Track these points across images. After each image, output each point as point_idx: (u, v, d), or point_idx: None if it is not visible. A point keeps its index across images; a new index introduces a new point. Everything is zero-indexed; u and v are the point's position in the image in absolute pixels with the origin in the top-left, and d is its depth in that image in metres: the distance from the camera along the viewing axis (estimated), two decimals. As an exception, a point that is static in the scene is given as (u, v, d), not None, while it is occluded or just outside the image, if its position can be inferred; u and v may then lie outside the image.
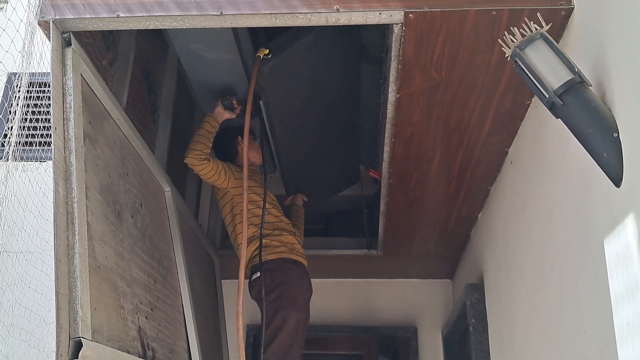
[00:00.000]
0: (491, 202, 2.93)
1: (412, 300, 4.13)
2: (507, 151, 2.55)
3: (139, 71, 2.70)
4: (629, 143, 1.43)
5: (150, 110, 2.85)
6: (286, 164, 3.37)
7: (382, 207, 3.16)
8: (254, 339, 3.95)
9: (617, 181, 1.47)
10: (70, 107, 1.80)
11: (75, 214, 1.68)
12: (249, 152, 3.11)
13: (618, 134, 1.47)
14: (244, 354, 2.48)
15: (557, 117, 1.57)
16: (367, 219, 3.68)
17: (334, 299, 4.11)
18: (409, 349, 3.94)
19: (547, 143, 2.09)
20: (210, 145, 2.78)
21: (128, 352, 1.86)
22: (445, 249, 3.68)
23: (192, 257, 3.00)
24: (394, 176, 2.81)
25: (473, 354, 2.94)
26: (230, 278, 3.80)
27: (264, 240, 2.89)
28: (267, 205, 3.01)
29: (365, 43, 2.73)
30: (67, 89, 1.83)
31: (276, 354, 2.69)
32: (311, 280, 3.14)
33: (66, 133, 1.78)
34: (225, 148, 3.15)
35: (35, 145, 3.09)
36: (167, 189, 2.75)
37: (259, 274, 2.80)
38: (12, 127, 2.09)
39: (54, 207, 1.64)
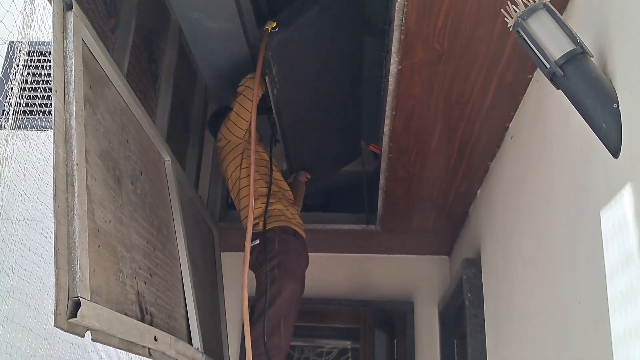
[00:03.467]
0: (490, 178, 2.93)
1: (410, 275, 4.16)
2: (508, 126, 2.54)
3: (140, 40, 2.69)
4: (629, 114, 1.43)
5: (150, 80, 2.85)
6: (290, 141, 3.37)
7: (382, 181, 3.17)
8: (252, 310, 3.98)
9: (615, 152, 1.47)
10: (71, 71, 1.80)
11: (75, 177, 1.68)
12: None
13: (618, 104, 1.47)
14: (249, 324, 2.51)
15: (558, 88, 1.57)
16: (367, 194, 3.70)
17: (333, 273, 4.15)
18: (405, 323, 3.98)
19: (548, 117, 2.09)
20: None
21: (126, 315, 1.88)
22: (444, 225, 3.70)
23: (192, 228, 3.02)
24: (394, 150, 2.81)
25: (468, 328, 2.97)
26: (229, 250, 3.84)
27: (263, 207, 2.91)
28: (275, 173, 3.06)
29: (369, 14, 2.72)
30: (68, 52, 1.82)
31: (271, 323, 2.72)
32: (310, 254, 3.17)
33: (66, 96, 1.77)
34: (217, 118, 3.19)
35: (36, 114, 3.09)
36: (167, 158, 2.76)
37: (258, 242, 2.82)
38: (12, 94, 2.10)
39: (53, 169, 1.65)
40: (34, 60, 2.80)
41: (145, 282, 2.14)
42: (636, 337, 1.37)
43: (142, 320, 2.02)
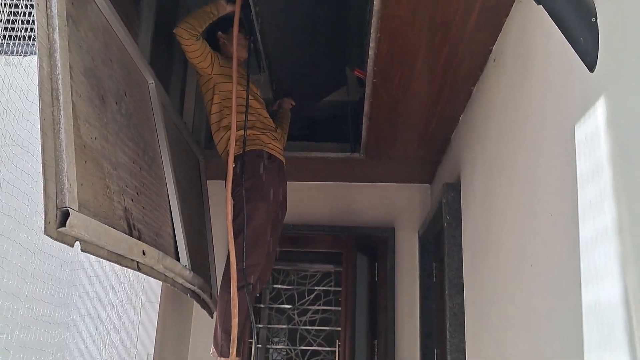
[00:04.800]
0: (473, 103, 2.97)
1: (392, 203, 4.26)
2: (491, 49, 2.56)
3: (120, -42, 2.63)
4: (606, 28, 1.46)
5: (133, 1, 2.80)
6: (275, 66, 3.35)
7: (366, 107, 3.20)
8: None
9: (591, 66, 1.51)
10: (51, -16, 1.77)
11: (60, 90, 1.69)
12: (230, 45, 3.12)
13: (596, 19, 1.49)
14: (233, 236, 2.59)
15: (539, 4, 1.59)
16: (352, 123, 3.73)
17: (317, 200, 4.23)
18: (386, 248, 4.10)
19: (530, 38, 2.10)
20: (205, 26, 2.81)
21: (114, 229, 1.93)
22: (426, 152, 3.76)
23: (177, 152, 3.04)
24: (379, 74, 2.82)
25: (446, 248, 3.07)
26: (215, 178, 3.88)
27: (238, 132, 2.94)
28: (253, 102, 3.06)
29: None
30: (47, -36, 1.79)
31: (247, 242, 2.81)
32: (295, 182, 3.25)
33: (49, 10, 1.76)
34: (208, 40, 3.16)
35: (17, 39, 3.04)
36: (151, 81, 2.75)
37: (234, 165, 2.87)
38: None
39: (38, 83, 1.65)
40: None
41: (132, 200, 2.19)
42: (601, 243, 1.45)
43: (130, 235, 2.07)
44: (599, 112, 1.48)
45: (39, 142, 2.16)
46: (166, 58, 3.31)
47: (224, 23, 3.05)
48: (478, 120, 2.87)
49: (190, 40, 2.79)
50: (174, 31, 2.81)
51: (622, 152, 1.36)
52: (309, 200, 4.20)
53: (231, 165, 2.69)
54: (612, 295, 1.37)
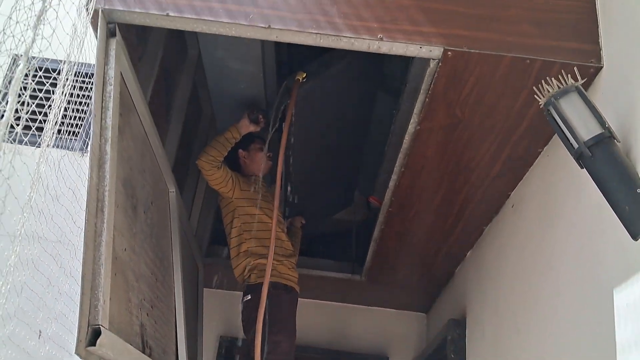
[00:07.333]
0: (483, 242, 3.01)
1: (386, 330, 4.17)
2: (510, 194, 2.63)
3: (160, 71, 2.73)
4: (650, 200, 1.52)
5: (165, 111, 2.87)
6: (294, 186, 3.38)
7: (376, 233, 3.22)
8: (226, 351, 3.94)
9: (635, 235, 1.55)
10: (110, 97, 1.82)
11: (106, 203, 1.69)
12: (251, 163, 3.15)
13: (641, 190, 1.56)
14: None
15: (583, 168, 1.66)
16: (356, 243, 3.73)
17: (311, 320, 4.11)
18: (379, 379, 3.97)
19: (556, 191, 2.18)
20: (226, 153, 2.83)
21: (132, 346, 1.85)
22: (427, 282, 3.75)
23: (184, 261, 3.00)
24: (395, 205, 2.87)
25: (451, 388, 2.99)
26: (211, 287, 3.81)
27: (258, 261, 2.91)
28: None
29: (386, 72, 2.82)
30: (108, 78, 1.85)
31: None
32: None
33: (103, 122, 1.79)
34: (229, 159, 3.19)
35: (65, 134, 3.02)
36: (172, 190, 2.76)
37: (250, 297, 2.81)
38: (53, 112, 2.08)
39: (87, 194, 1.65)
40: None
41: (147, 314, 2.12)
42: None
43: (143, 352, 1.99)
44: (643, 281, 1.51)
45: (58, 240, 2.11)
46: (184, 164, 3.35)
47: (244, 140, 3.10)
48: (488, 260, 2.90)
49: (212, 171, 2.81)
50: (196, 162, 2.83)
51: (672, 326, 1.37)
52: (304, 319, 4.04)
53: (263, 304, 2.62)
54: None
